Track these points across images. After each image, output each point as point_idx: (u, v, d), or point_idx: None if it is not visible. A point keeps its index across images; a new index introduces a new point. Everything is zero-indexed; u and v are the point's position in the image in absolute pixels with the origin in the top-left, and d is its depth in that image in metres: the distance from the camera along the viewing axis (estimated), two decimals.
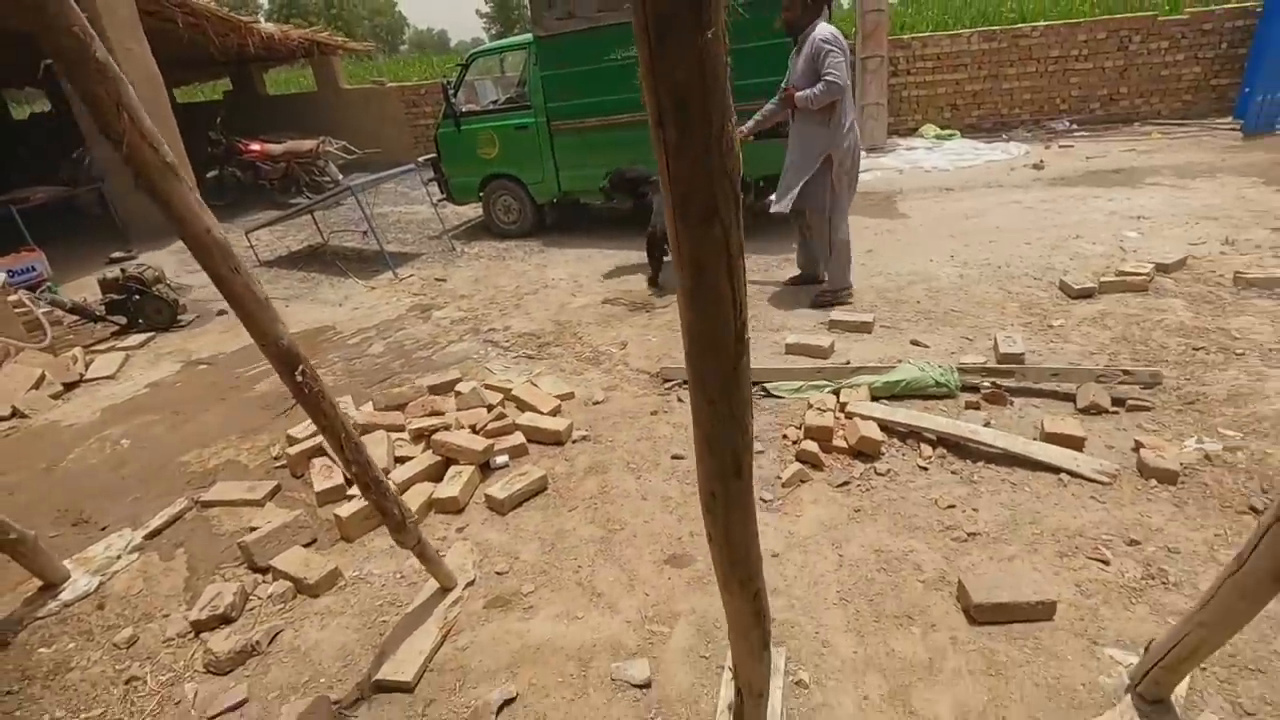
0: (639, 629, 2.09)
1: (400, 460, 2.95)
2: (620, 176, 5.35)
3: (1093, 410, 2.89)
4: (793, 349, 3.64)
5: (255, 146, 9.79)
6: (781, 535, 2.42)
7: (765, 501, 2.59)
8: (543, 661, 2.00)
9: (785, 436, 2.95)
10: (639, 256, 5.84)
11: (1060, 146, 8.47)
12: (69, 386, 4.24)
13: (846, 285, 4.31)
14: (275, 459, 3.19)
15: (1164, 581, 2.07)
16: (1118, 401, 2.93)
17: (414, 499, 2.66)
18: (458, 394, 3.38)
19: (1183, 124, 8.86)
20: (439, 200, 7.46)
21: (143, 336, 5.01)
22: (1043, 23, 9.57)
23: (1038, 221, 5.60)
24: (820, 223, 4.21)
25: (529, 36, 6.18)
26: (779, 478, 2.70)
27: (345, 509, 2.62)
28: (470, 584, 2.32)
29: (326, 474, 2.90)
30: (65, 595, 2.38)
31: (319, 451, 3.05)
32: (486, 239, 7.04)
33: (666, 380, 3.55)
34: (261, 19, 10.42)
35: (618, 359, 3.91)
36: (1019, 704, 1.75)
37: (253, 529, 2.59)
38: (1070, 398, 3.01)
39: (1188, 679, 1.72)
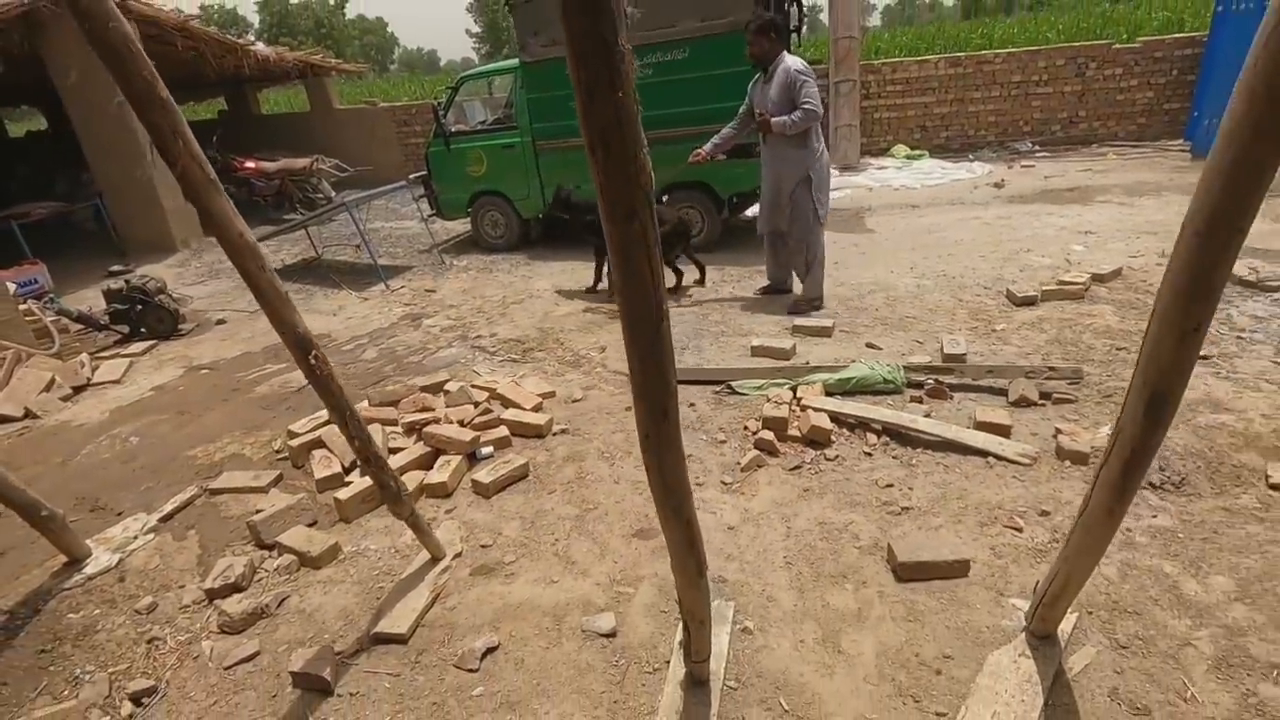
0: (607, 590, 2.36)
1: (394, 451, 3.21)
2: (561, 197, 5.64)
3: (1022, 403, 3.21)
4: (758, 351, 3.95)
5: (250, 164, 10.07)
6: (738, 512, 2.71)
7: (725, 484, 2.88)
8: (522, 617, 2.27)
9: (746, 428, 3.24)
10: None
11: (1023, 166, 8.92)
12: (77, 390, 4.47)
13: (819, 295, 4.64)
14: (277, 452, 3.45)
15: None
16: (1045, 395, 3.25)
17: (406, 484, 2.91)
18: (447, 392, 3.65)
19: (1137, 145, 9.35)
20: (429, 216, 7.76)
21: (145, 344, 5.24)
22: (1005, 50, 10.09)
23: (994, 236, 5.98)
24: (802, 238, 4.51)
25: (515, 61, 6.53)
26: (738, 463, 2.99)
27: (344, 493, 2.87)
28: (458, 555, 2.58)
29: (326, 464, 3.15)
30: (89, 569, 2.62)
31: (318, 444, 3.31)
32: (474, 252, 7.34)
33: None
34: (252, 38, 10.76)
35: (597, 362, 4.20)
36: (932, 643, 2.03)
37: (258, 512, 2.84)
38: (1004, 392, 3.33)
39: (1073, 619, 2.02)
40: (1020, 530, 2.46)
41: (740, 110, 4.59)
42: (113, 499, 3.19)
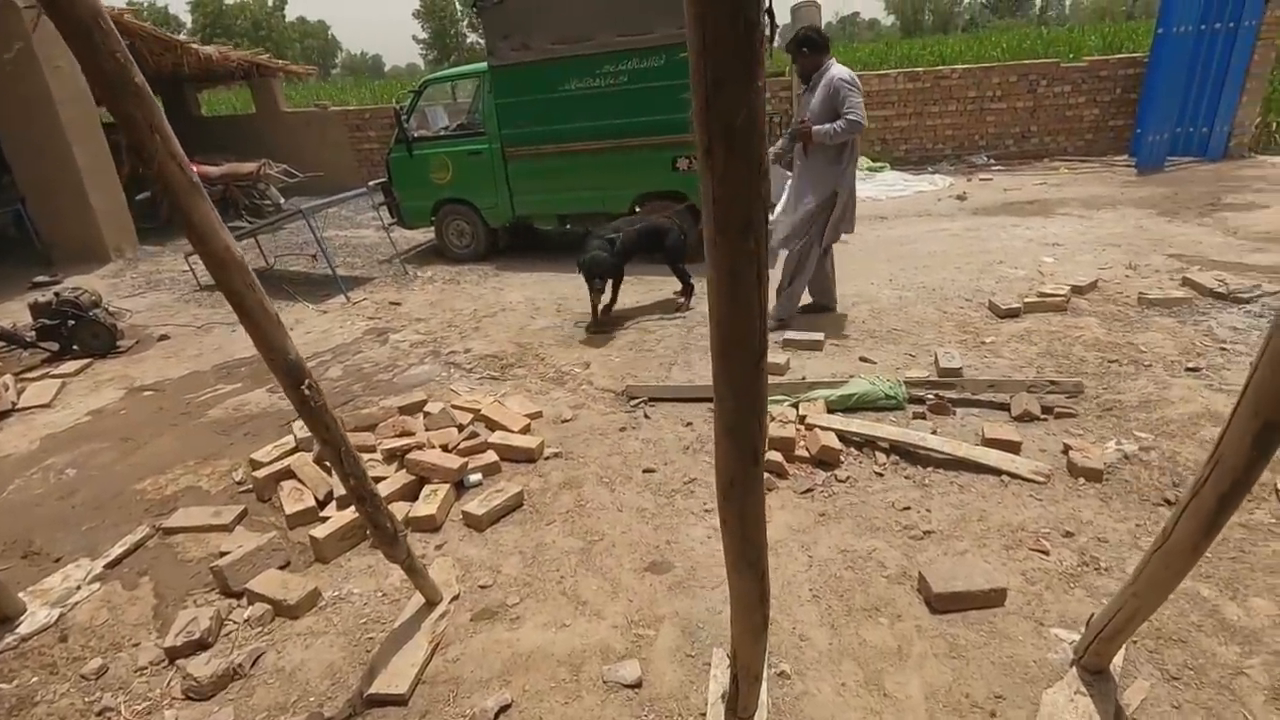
0: (625, 633, 2.17)
1: (374, 480, 2.94)
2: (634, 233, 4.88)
3: (1025, 418, 3.17)
4: None
5: (191, 169, 9.47)
6: None
7: None
8: (534, 668, 2.06)
9: None
10: None
11: (980, 179, 9.13)
12: (1, 415, 4.01)
13: (789, 314, 4.51)
14: (238, 483, 3.13)
15: (1096, 568, 2.30)
16: (1046, 409, 3.22)
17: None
18: (427, 414, 3.40)
19: (1086, 160, 9.70)
20: (390, 224, 7.42)
21: (79, 363, 4.78)
22: (961, 66, 10.35)
23: (965, 248, 6.04)
24: (804, 252, 4.37)
25: (483, 65, 6.30)
26: None
27: (320, 529, 2.60)
28: (455, 598, 2.35)
29: (297, 497, 2.87)
30: (22, 629, 2.28)
31: (287, 475, 3.02)
32: (439, 263, 7.04)
33: (632, 398, 3.66)
34: (185, 36, 10.19)
35: (582, 379, 4.00)
36: (980, 681, 1.92)
37: (223, 554, 2.55)
38: (1005, 407, 3.28)
39: (1122, 651, 1.93)
40: (1047, 554, 2.38)
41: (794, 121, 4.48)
42: (49, 541, 2.82)
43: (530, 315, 5.21)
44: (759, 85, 0.77)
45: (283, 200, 9.65)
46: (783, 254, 4.53)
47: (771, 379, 3.63)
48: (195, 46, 8.89)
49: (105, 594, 2.48)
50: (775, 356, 3.85)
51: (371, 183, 6.98)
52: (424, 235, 7.89)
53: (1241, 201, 6.84)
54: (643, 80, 5.65)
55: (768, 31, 6.65)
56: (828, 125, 4.00)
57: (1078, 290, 4.58)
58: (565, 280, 6.04)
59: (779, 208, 4.69)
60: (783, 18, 9.42)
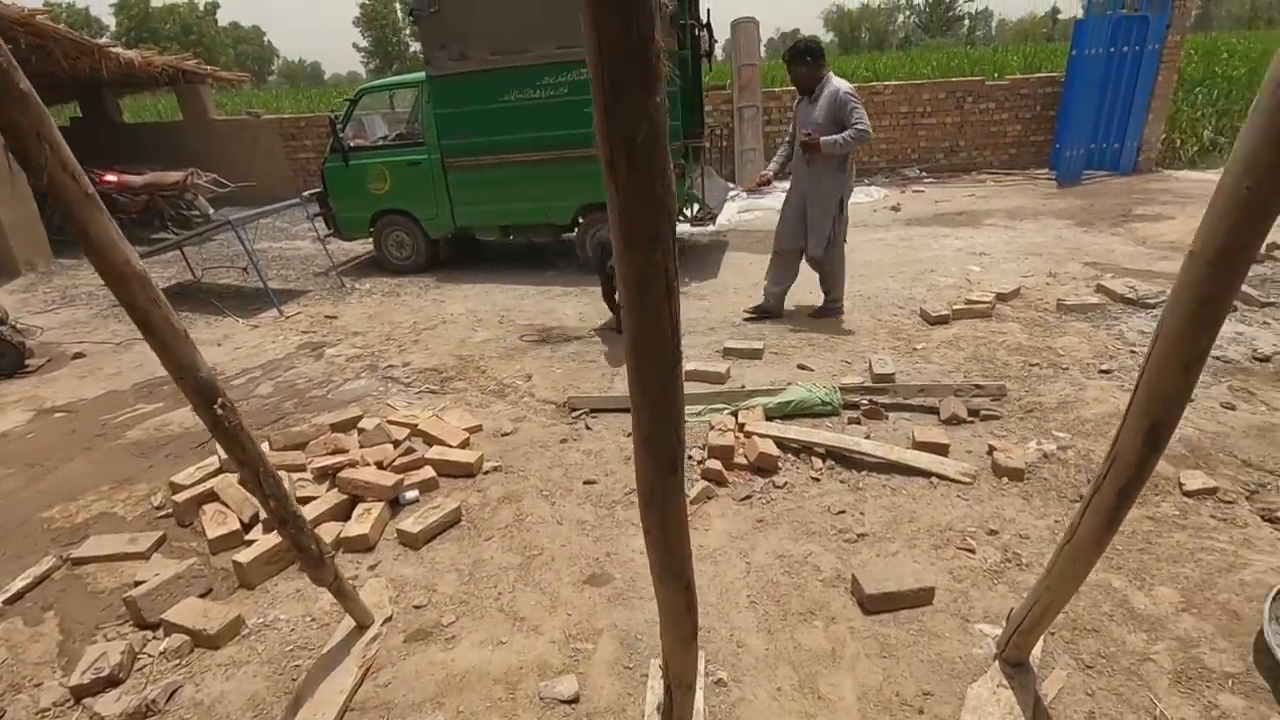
0: (563, 648, 2.14)
1: (303, 500, 2.84)
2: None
3: (953, 421, 3.28)
4: (692, 375, 3.85)
5: (111, 177, 9.03)
6: (693, 549, 2.55)
7: None
8: (469, 689, 2.01)
9: (691, 457, 3.12)
10: (537, 291, 5.96)
11: (914, 191, 9.49)
12: None
13: (842, 299, 4.79)
14: (157, 508, 2.98)
15: (1019, 564, 2.40)
16: (973, 412, 3.35)
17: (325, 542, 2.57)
18: (361, 431, 3.31)
19: (1010, 173, 10.19)
20: (326, 235, 7.22)
21: None
22: (894, 82, 10.75)
23: (899, 257, 6.25)
24: (836, 256, 4.61)
25: (421, 75, 6.21)
26: (688, 496, 2.85)
27: (245, 553, 2.49)
28: (388, 620, 2.28)
29: (220, 520, 2.74)
30: None
31: (210, 497, 2.89)
32: (378, 275, 6.88)
33: (574, 409, 3.65)
34: (107, 39, 9.72)
35: (523, 391, 3.96)
36: (910, 679, 1.96)
37: (138, 583, 2.41)
38: (934, 410, 3.40)
39: (1041, 642, 2.01)
40: (973, 552, 2.47)
41: (789, 131, 4.65)
42: None
43: (472, 327, 5.14)
44: (658, 100, 0.77)
45: (212, 211, 9.28)
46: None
47: (710, 387, 3.68)
48: (115, 50, 8.47)
49: (4, 631, 2.31)
50: (716, 365, 3.90)
51: (305, 193, 6.78)
52: (363, 247, 7.71)
53: (1150, 213, 7.30)
54: (583, 92, 5.66)
55: (707, 46, 6.78)
56: (835, 136, 4.18)
57: (1002, 297, 4.79)
58: (508, 291, 6.00)
59: (780, 218, 4.80)
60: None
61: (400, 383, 4.19)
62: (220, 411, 1.53)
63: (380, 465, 3.04)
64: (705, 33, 6.66)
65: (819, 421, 3.36)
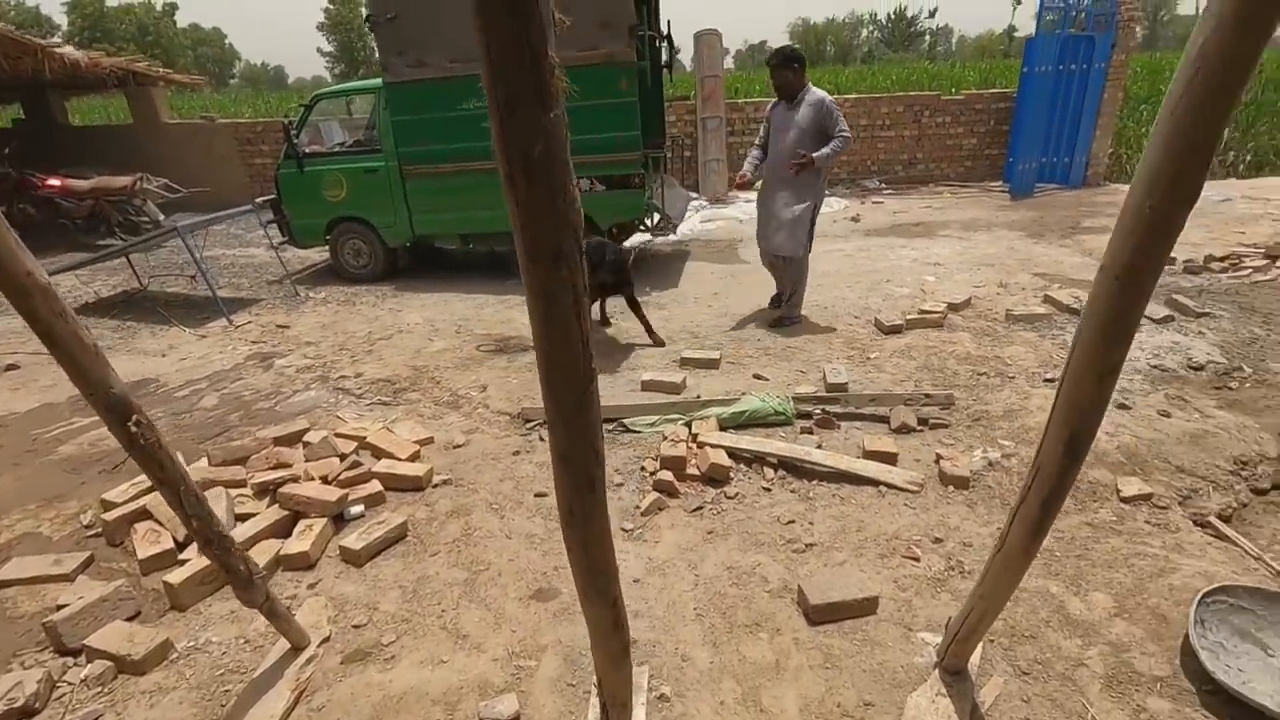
0: (506, 665, 2.10)
1: (242, 518, 2.76)
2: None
3: (903, 430, 3.33)
4: (648, 386, 3.85)
5: (55, 181, 8.71)
6: (642, 561, 2.55)
7: (626, 531, 2.71)
8: (406, 710, 1.96)
9: (644, 469, 3.10)
10: (496, 300, 5.91)
11: (873, 202, 9.65)
12: None
13: (799, 312, 4.88)
14: (87, 527, 2.85)
15: (961, 571, 2.43)
16: (922, 421, 3.40)
17: (259, 557, 2.48)
18: (306, 444, 3.22)
19: (965, 185, 10.44)
20: (280, 243, 7.05)
21: None
22: (854, 95, 10.95)
23: (856, 267, 6.34)
24: (801, 261, 4.68)
25: (378, 81, 6.13)
26: (638, 507, 2.83)
27: (176, 575, 2.40)
28: (325, 641, 2.21)
29: (153, 539, 2.64)
30: None
31: (143, 515, 2.78)
32: (334, 283, 6.74)
33: (528, 421, 3.61)
34: (59, 40, 9.42)
35: (478, 402, 3.91)
36: (851, 690, 1.97)
37: (60, 607, 2.30)
38: (885, 419, 3.44)
39: (979, 649, 2.04)
40: (918, 560, 2.49)
41: (761, 133, 4.72)
42: None
43: (428, 337, 5.06)
44: (553, 115, 0.76)
45: (162, 217, 9.01)
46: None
47: (666, 398, 3.67)
48: (59, 50, 8.20)
49: None
50: (672, 376, 3.89)
51: (258, 199, 6.63)
52: (319, 255, 7.56)
53: (1097, 225, 7.53)
54: None
55: (666, 56, 6.83)
56: (825, 150, 4.32)
57: (953, 307, 4.89)
58: (467, 300, 5.93)
59: (759, 226, 4.83)
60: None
61: (352, 394, 4.10)
62: (134, 429, 1.46)
63: (325, 480, 2.96)
64: (665, 44, 6.70)
65: (772, 431, 3.37)
